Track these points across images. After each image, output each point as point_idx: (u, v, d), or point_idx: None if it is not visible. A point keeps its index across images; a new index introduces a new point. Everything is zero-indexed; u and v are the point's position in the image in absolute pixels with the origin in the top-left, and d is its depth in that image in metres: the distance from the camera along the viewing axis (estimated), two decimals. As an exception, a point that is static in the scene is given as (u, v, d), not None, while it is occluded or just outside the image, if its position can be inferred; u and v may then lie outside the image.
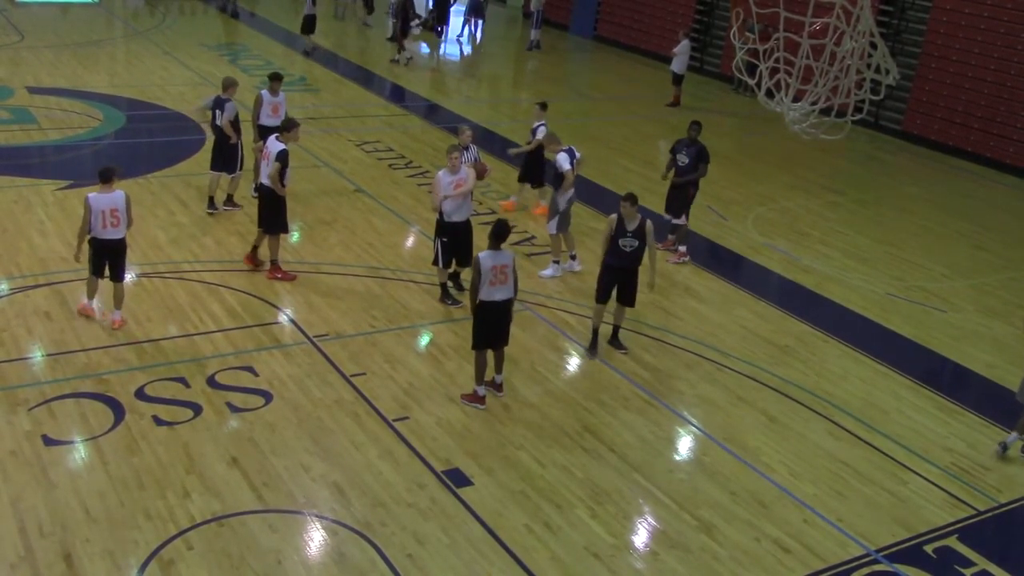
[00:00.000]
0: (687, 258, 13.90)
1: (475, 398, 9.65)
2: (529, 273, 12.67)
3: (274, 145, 11.59)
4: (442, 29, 29.62)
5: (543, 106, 15.01)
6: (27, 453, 8.20)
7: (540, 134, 14.43)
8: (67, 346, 9.94)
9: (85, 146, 16.44)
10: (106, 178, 10.01)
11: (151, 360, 9.84)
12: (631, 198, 10.51)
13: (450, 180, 11.32)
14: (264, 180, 11.72)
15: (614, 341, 11.18)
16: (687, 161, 13.61)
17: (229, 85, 13.57)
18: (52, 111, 17.93)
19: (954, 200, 18.95)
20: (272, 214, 11.75)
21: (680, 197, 13.79)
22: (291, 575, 7.18)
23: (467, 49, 29.83)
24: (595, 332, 10.99)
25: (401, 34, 25.28)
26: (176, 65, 22.60)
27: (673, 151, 13.86)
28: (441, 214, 11.44)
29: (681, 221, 13.85)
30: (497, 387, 9.88)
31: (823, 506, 8.74)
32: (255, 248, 12.07)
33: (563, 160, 12.76)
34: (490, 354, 9.72)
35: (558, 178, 12.83)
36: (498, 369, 9.84)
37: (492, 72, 27.77)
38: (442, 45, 29.42)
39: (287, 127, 11.85)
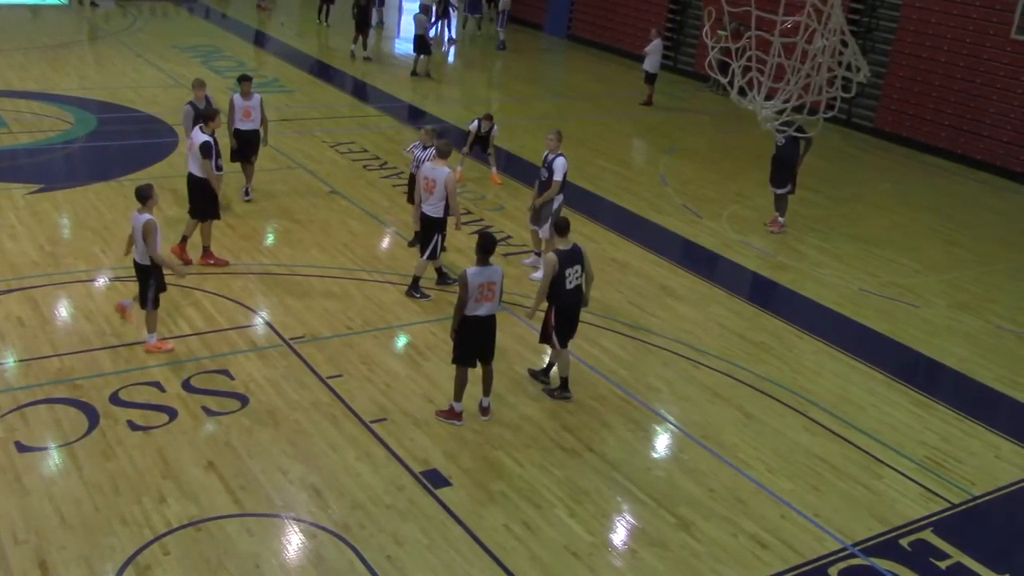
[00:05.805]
0: (784, 229, 15.56)
1: (451, 414, 9.33)
2: (506, 273, 12.63)
3: (198, 137, 11.66)
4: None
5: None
6: (0, 460, 8.11)
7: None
8: (40, 351, 9.84)
9: (56, 149, 16.28)
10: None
11: (125, 365, 9.76)
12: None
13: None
14: (193, 170, 11.77)
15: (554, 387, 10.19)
16: (783, 141, 15.07)
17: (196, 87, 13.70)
18: (22, 114, 17.74)
19: (926, 196, 19.12)
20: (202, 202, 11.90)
21: (782, 171, 15.26)
22: (269, 579, 7.16)
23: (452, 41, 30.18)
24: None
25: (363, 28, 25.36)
26: (147, 67, 22.43)
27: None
28: (445, 209, 11.53)
29: (785, 190, 15.34)
30: (483, 411, 9.44)
31: (800, 501, 8.79)
32: (185, 239, 12.08)
33: (560, 168, 12.54)
34: (476, 373, 9.37)
35: (546, 184, 12.63)
36: (485, 391, 9.43)
37: (465, 73, 27.75)
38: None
39: (210, 116, 11.82)
